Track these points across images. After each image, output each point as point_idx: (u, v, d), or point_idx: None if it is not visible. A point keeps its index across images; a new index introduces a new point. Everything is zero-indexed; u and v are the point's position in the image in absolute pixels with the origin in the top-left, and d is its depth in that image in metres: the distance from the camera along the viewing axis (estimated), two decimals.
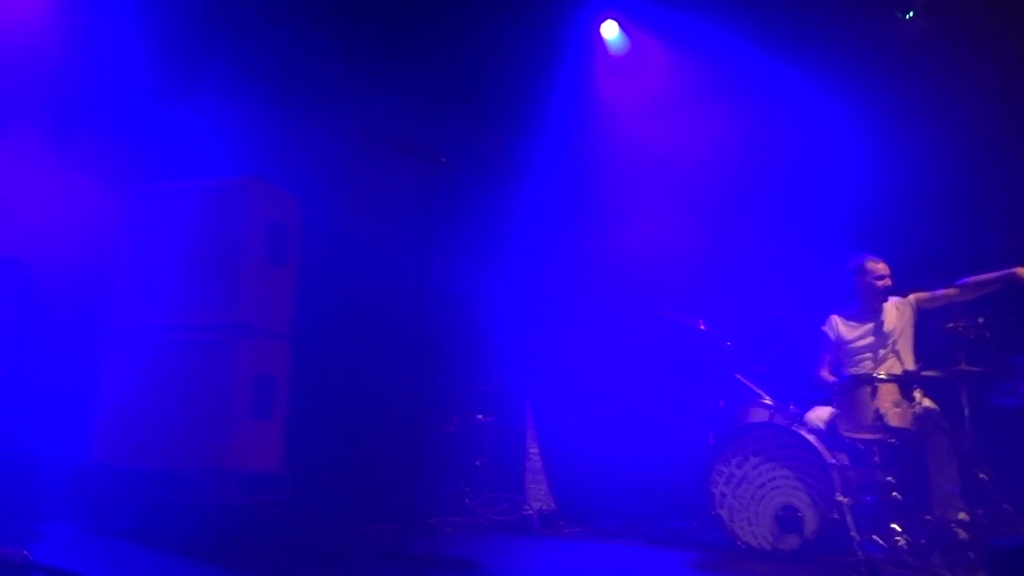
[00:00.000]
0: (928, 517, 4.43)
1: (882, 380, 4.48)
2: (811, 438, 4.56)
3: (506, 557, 4.42)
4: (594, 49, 6.86)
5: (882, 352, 5.02)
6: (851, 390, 4.55)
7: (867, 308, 5.15)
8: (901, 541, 4.20)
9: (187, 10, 5.58)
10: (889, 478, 4.47)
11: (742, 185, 6.31)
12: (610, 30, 6.76)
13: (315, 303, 5.27)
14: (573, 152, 6.72)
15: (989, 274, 4.81)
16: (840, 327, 5.21)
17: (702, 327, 5.24)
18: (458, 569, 3.77)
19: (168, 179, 5.18)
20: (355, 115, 6.06)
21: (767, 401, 4.95)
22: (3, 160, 5.19)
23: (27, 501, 4.53)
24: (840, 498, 4.29)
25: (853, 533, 4.11)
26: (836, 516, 4.26)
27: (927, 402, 4.60)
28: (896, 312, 5.09)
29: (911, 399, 4.46)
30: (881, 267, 5.13)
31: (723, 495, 4.64)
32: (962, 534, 4.27)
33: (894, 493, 4.42)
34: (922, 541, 4.25)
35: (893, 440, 4.56)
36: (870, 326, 5.10)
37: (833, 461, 4.50)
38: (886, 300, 5.12)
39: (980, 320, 4.57)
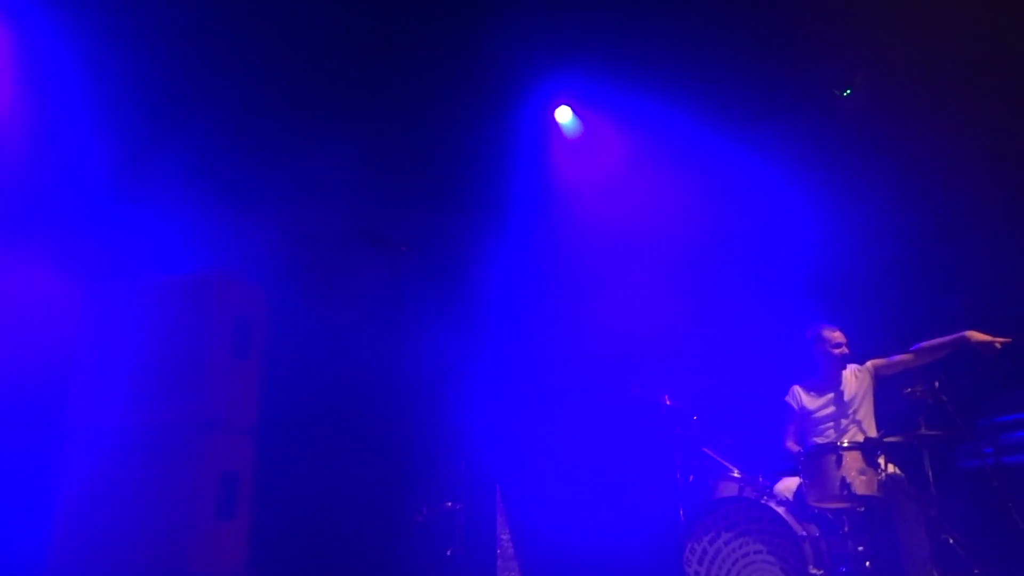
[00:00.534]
0: None
1: (846, 448, 4.54)
2: (781, 511, 4.56)
3: None
4: (549, 133, 7.06)
5: (844, 421, 5.08)
6: (816, 460, 4.59)
7: (827, 377, 5.23)
8: None
9: (147, 105, 5.66)
10: (860, 547, 4.48)
11: (702, 260, 6.44)
12: (563, 115, 6.98)
13: (281, 396, 5.22)
14: (535, 233, 6.83)
15: (941, 339, 4.93)
16: (802, 397, 5.27)
17: (668, 402, 5.27)
18: None
19: (130, 276, 5.16)
20: (317, 205, 6.13)
21: (736, 474, 4.96)
22: None
23: None
24: (813, 571, 4.28)
25: None
26: None
27: (892, 468, 4.65)
28: (855, 380, 5.17)
29: (876, 466, 4.52)
30: (837, 335, 5.23)
31: (697, 574, 4.59)
32: None
33: (867, 562, 4.43)
34: None
35: (861, 508, 4.58)
36: (831, 395, 5.17)
37: (803, 533, 4.50)
38: (844, 368, 5.21)
39: (936, 384, 4.68)
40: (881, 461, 4.53)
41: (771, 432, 5.38)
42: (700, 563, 4.60)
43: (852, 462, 4.50)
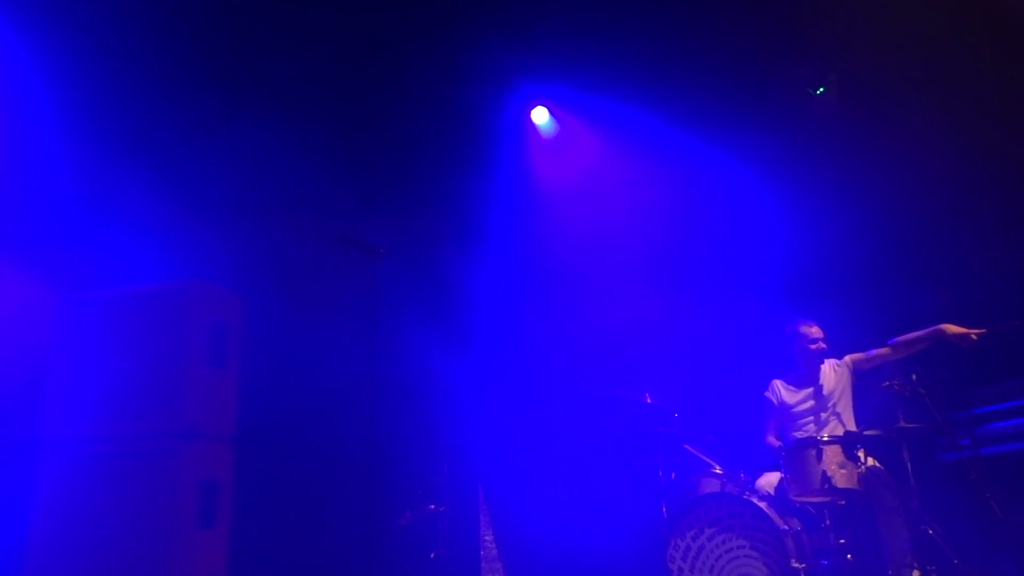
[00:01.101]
0: None
1: (826, 442, 4.57)
2: (763, 505, 4.59)
3: None
4: (526, 134, 7.07)
5: (823, 415, 5.12)
6: (797, 454, 4.63)
7: (806, 372, 5.27)
8: None
9: (118, 112, 5.59)
10: (841, 540, 4.51)
11: (680, 258, 6.47)
12: (540, 115, 6.99)
13: (259, 403, 5.17)
14: (514, 234, 6.83)
15: (918, 332, 4.98)
16: (782, 392, 5.30)
17: (648, 400, 5.28)
18: None
19: (104, 285, 5.10)
20: (293, 210, 6.09)
21: (718, 470, 4.98)
22: None
23: None
24: (795, 564, 4.30)
25: None
26: None
27: (871, 461, 4.69)
28: (834, 374, 5.21)
29: (856, 459, 4.55)
30: (814, 331, 5.27)
31: (680, 570, 4.61)
32: None
33: (848, 555, 4.46)
34: None
35: (842, 502, 4.62)
36: (810, 390, 5.21)
37: (785, 527, 4.52)
38: (822, 363, 5.24)
39: (913, 377, 4.73)
40: (861, 455, 4.57)
41: (752, 428, 5.41)
42: (684, 559, 4.61)
43: (832, 456, 4.54)
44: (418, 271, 6.46)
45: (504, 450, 6.11)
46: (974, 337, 4.76)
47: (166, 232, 5.46)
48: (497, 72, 6.60)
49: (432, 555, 5.49)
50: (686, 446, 5.19)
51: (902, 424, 4.63)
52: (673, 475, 5.08)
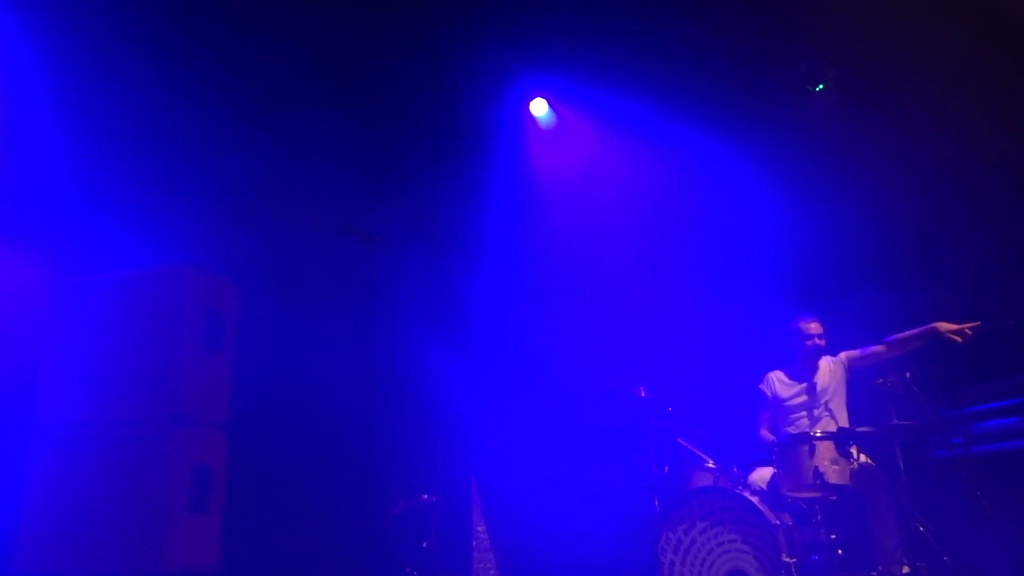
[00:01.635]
0: (873, 573, 4.49)
1: (819, 438, 4.59)
2: (755, 500, 4.60)
3: None
4: (525, 125, 7.06)
5: (816, 411, 5.14)
6: (790, 449, 4.64)
7: (803, 367, 5.29)
8: None
9: (115, 95, 5.56)
10: (832, 535, 4.53)
11: (677, 252, 6.48)
12: (539, 107, 6.97)
13: (254, 389, 5.17)
14: (511, 225, 6.83)
15: (913, 331, 5.00)
16: (776, 385, 5.32)
17: (643, 394, 5.29)
18: None
19: (99, 269, 5.08)
20: (291, 198, 6.07)
21: (710, 464, 4.99)
22: None
23: None
24: (786, 559, 4.32)
25: None
26: None
27: (864, 458, 4.70)
28: (829, 371, 5.23)
29: (848, 456, 4.57)
30: (813, 327, 5.28)
31: (672, 563, 4.62)
32: None
33: (839, 550, 4.48)
34: None
35: (834, 497, 4.64)
36: (804, 385, 5.23)
37: (777, 522, 4.54)
38: (819, 359, 5.26)
39: (907, 375, 4.75)
40: (853, 451, 4.59)
41: (745, 423, 5.43)
42: (675, 552, 4.63)
43: (825, 452, 4.56)
44: (414, 262, 6.46)
45: (498, 441, 6.12)
46: (968, 332, 4.77)
47: (162, 217, 5.44)
48: (496, 63, 6.59)
49: (424, 545, 5.50)
50: (679, 440, 5.20)
51: (895, 421, 4.66)
52: (666, 469, 5.09)
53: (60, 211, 5.32)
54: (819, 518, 4.58)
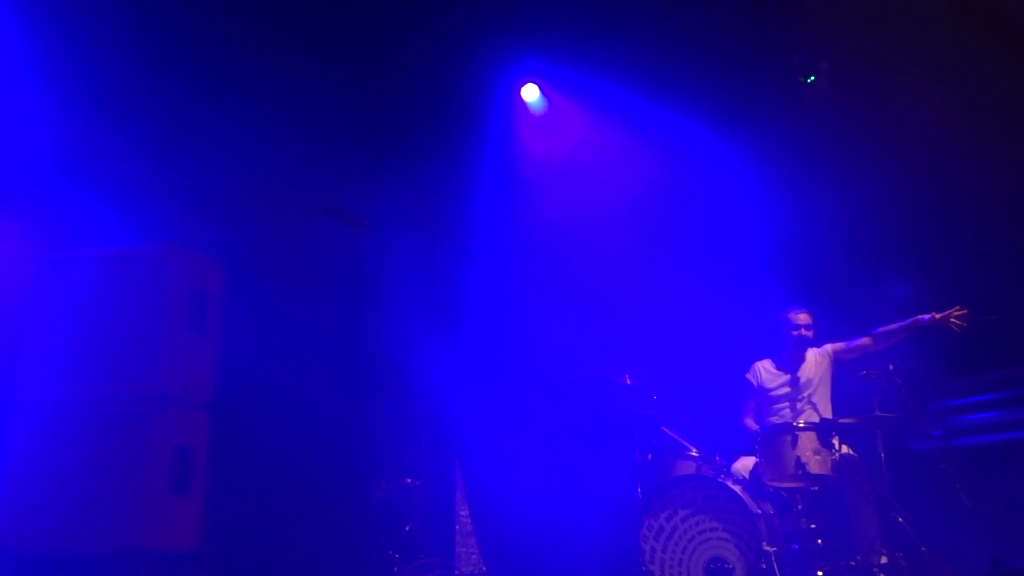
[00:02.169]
0: (852, 563, 4.53)
1: (801, 429, 4.62)
2: (737, 489, 4.63)
3: None
4: (517, 111, 7.03)
5: (799, 404, 5.16)
6: (772, 439, 4.67)
7: (789, 358, 5.30)
8: None
9: (101, 69, 5.49)
10: (813, 525, 4.56)
11: (665, 240, 6.48)
12: (531, 93, 6.94)
13: (237, 370, 5.14)
14: (499, 210, 6.81)
15: (898, 323, 5.02)
16: (763, 374, 5.34)
17: (628, 381, 5.30)
18: None
19: (84, 246, 5.03)
20: (281, 178, 6.03)
21: (694, 453, 5.01)
22: None
23: None
24: (767, 547, 4.35)
25: None
26: (763, 566, 4.31)
27: (845, 449, 4.74)
28: (815, 363, 5.24)
29: (830, 447, 4.60)
30: (801, 318, 5.29)
31: (653, 550, 4.64)
32: None
33: (818, 540, 4.52)
34: None
35: (815, 487, 4.67)
36: (789, 376, 5.25)
37: (758, 511, 4.57)
38: (805, 351, 5.28)
39: (890, 367, 4.79)
40: (835, 442, 4.62)
41: (730, 413, 5.45)
42: (657, 539, 4.65)
43: (807, 442, 4.59)
44: (402, 245, 6.43)
45: (483, 426, 6.12)
46: (954, 319, 4.77)
47: (148, 195, 5.39)
48: (489, 48, 6.55)
49: (407, 528, 5.51)
50: (663, 428, 5.21)
51: (877, 413, 4.69)
52: (650, 456, 5.11)
53: (44, 186, 5.26)
54: (800, 508, 4.61)
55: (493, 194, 6.79)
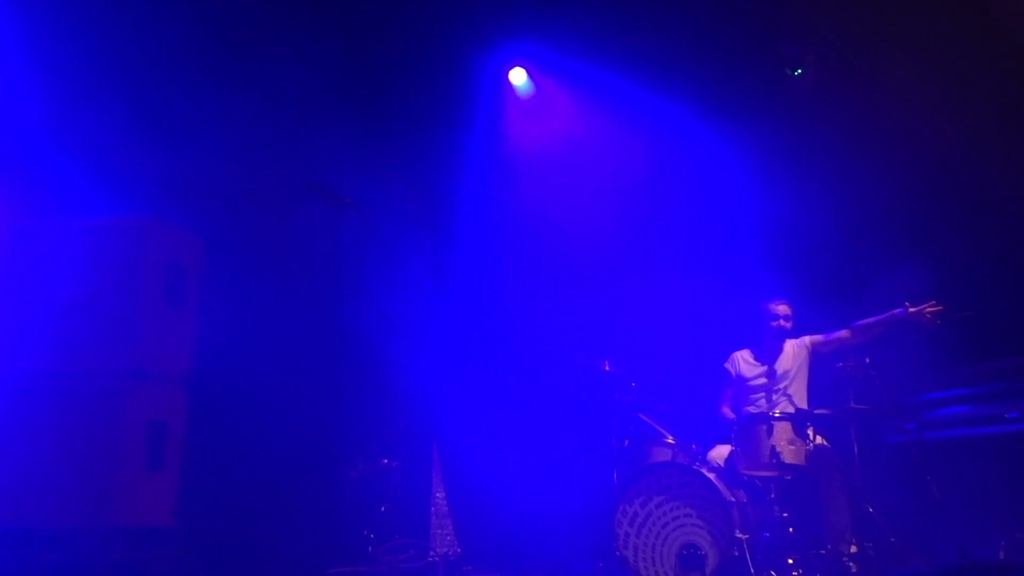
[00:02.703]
0: (823, 551, 4.58)
1: (777, 419, 4.65)
2: (711, 476, 4.65)
3: None
4: (503, 94, 7.00)
5: (775, 395, 5.19)
6: (748, 428, 4.70)
7: (768, 348, 5.33)
8: (796, 575, 4.32)
9: (86, 43, 5.41)
10: (785, 514, 4.61)
11: (649, 227, 6.48)
12: (518, 76, 6.92)
13: (214, 345, 5.10)
14: (483, 193, 6.79)
15: (876, 317, 5.06)
16: (741, 364, 5.36)
17: (607, 367, 5.32)
18: None
19: (60, 216, 4.96)
20: (263, 155, 5.97)
21: (670, 440, 5.03)
22: None
23: None
24: (739, 535, 4.38)
25: (751, 569, 4.21)
26: (736, 553, 4.35)
27: (819, 439, 4.78)
28: (793, 354, 5.27)
29: (805, 437, 4.64)
30: (781, 309, 5.31)
31: (627, 535, 4.67)
32: (853, 568, 4.43)
33: (790, 528, 4.56)
34: (816, 575, 4.39)
35: (788, 477, 4.71)
36: (766, 367, 5.28)
37: (732, 499, 4.60)
38: (784, 342, 5.31)
39: (866, 360, 4.83)
40: (810, 432, 4.66)
41: (707, 401, 5.48)
42: (631, 525, 4.67)
43: (782, 432, 4.62)
44: (384, 225, 6.40)
45: (461, 409, 6.13)
46: (929, 313, 4.81)
47: (127, 166, 5.31)
48: (476, 31, 6.51)
49: (382, 508, 5.51)
50: (640, 415, 5.24)
51: (852, 405, 4.73)
52: (626, 442, 5.13)
53: (21, 155, 5.17)
54: (773, 496, 4.65)
55: (478, 177, 6.77)
